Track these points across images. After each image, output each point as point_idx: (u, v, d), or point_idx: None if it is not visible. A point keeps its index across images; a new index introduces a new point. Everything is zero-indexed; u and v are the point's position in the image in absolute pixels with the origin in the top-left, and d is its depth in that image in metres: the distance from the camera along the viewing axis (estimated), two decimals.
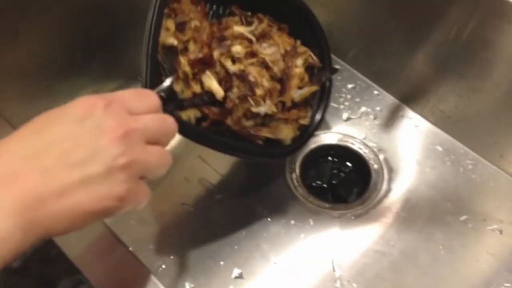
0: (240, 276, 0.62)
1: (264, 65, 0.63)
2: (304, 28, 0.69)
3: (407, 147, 0.74)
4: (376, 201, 0.69)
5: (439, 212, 0.68)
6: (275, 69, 0.63)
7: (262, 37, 0.65)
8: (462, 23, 0.64)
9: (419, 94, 0.76)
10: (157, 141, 0.41)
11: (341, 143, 0.74)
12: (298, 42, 0.68)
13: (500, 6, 0.58)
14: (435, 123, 0.75)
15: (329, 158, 0.75)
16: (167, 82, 0.52)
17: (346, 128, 0.76)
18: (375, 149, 0.74)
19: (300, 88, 0.66)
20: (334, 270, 0.63)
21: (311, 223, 0.67)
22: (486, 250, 0.65)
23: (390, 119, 0.77)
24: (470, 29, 0.63)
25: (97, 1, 0.72)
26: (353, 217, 0.68)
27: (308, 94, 0.67)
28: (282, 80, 0.64)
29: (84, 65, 0.75)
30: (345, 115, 0.77)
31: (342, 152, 0.74)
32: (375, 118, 0.77)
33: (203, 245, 0.64)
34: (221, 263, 0.63)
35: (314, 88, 0.67)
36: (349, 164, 0.74)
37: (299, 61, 0.66)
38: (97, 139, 0.37)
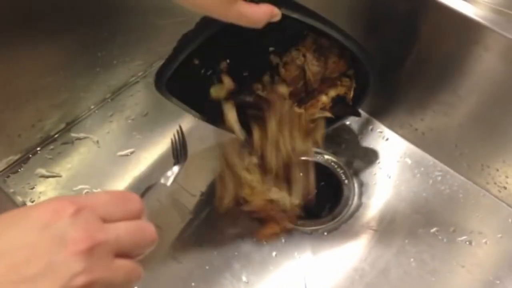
0: None
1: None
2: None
3: (377, 160, 0.75)
4: (348, 216, 0.70)
5: (410, 225, 0.69)
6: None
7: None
8: (429, 40, 0.64)
9: (388, 108, 0.76)
10: (129, 253, 0.36)
11: (311, 158, 0.75)
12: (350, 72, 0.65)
13: (466, 25, 0.59)
14: (404, 136, 0.76)
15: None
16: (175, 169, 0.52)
17: None
18: (345, 164, 0.74)
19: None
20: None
21: (283, 241, 0.67)
22: (457, 262, 0.66)
23: (360, 133, 0.77)
24: (436, 45, 0.64)
25: None
26: (325, 233, 0.68)
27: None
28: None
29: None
30: None
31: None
32: (345, 132, 0.77)
33: (174, 265, 0.64)
34: (192, 284, 0.62)
35: (326, 114, 0.66)
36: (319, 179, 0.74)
37: (332, 92, 0.65)
38: (56, 252, 0.32)
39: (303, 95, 0.63)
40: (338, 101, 0.66)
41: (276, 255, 0.66)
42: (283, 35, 0.61)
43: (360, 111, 0.78)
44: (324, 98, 0.64)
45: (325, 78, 0.64)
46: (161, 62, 0.82)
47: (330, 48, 0.63)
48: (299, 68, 0.62)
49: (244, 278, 0.64)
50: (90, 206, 0.35)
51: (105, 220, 0.35)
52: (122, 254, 0.35)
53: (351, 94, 0.66)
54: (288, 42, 0.62)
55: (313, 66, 0.61)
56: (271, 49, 0.62)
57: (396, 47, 0.70)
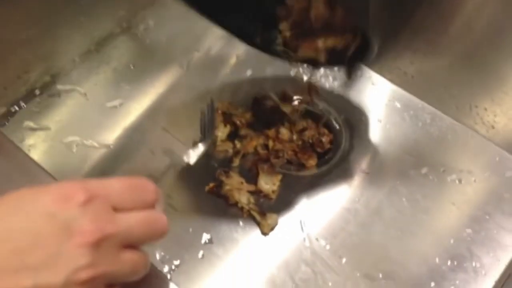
0: (209, 241, 0.62)
1: None
2: None
3: (367, 105, 0.75)
4: (339, 160, 0.70)
5: (401, 166, 0.70)
6: None
7: None
8: None
9: (377, 53, 0.76)
10: (137, 244, 0.35)
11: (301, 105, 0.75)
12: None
13: None
14: (392, 80, 0.76)
15: None
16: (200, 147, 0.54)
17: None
18: (335, 109, 0.74)
19: None
20: (302, 230, 0.64)
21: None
22: (447, 200, 0.67)
23: (349, 79, 0.77)
24: None
25: None
26: (318, 177, 0.69)
27: None
28: None
29: None
30: (305, 78, 0.77)
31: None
32: (334, 79, 0.78)
33: (171, 214, 0.64)
34: (190, 229, 0.63)
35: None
36: None
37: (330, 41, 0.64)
38: (62, 242, 0.31)
39: (303, 31, 0.63)
40: (336, 51, 0.65)
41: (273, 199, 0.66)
42: None
43: None
44: (320, 43, 0.64)
45: (329, 24, 0.63)
46: (144, 13, 0.82)
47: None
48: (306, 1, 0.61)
49: (240, 223, 0.64)
50: (103, 194, 0.34)
51: (117, 209, 0.34)
52: (131, 244, 0.34)
53: (352, 48, 0.64)
54: None
55: (320, 5, 0.61)
56: None
57: None
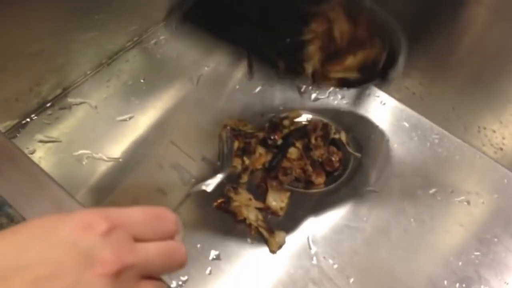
0: (217, 258, 0.62)
1: None
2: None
3: (375, 124, 0.76)
4: (347, 179, 0.71)
5: (409, 187, 0.70)
6: None
7: None
8: (428, 1, 0.65)
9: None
10: (156, 274, 0.35)
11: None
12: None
13: None
14: (401, 100, 0.77)
15: None
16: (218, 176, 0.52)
17: (315, 108, 0.77)
18: (344, 128, 0.75)
19: None
20: (310, 248, 0.64)
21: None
22: (455, 221, 0.67)
23: (357, 98, 0.78)
24: (436, 4, 0.64)
25: None
26: (326, 196, 0.69)
27: None
28: None
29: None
30: (313, 96, 0.78)
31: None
32: (342, 97, 0.78)
33: None
34: (198, 245, 0.63)
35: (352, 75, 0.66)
36: None
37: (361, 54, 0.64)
38: (82, 272, 0.31)
39: (331, 52, 0.63)
40: (367, 65, 0.64)
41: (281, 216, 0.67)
42: None
43: None
44: (351, 59, 0.63)
45: (354, 38, 0.63)
46: (156, 28, 0.83)
47: (361, 8, 0.61)
48: (328, 22, 0.61)
49: (248, 240, 0.64)
50: (124, 224, 0.34)
51: (137, 239, 0.34)
52: (150, 275, 0.34)
53: (382, 58, 0.63)
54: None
55: (341, 24, 0.61)
56: None
57: (391, 10, 0.70)
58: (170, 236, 0.36)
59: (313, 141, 0.70)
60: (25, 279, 0.30)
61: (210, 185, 0.55)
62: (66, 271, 0.31)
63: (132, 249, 0.33)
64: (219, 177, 0.54)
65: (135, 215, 0.35)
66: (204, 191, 0.58)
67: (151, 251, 0.34)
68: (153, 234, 0.35)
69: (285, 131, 0.72)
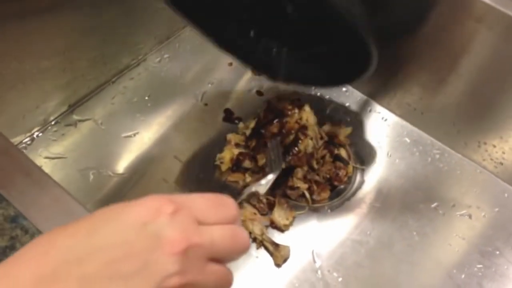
0: None
1: None
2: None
3: (377, 140, 0.77)
4: (351, 193, 0.72)
5: (411, 201, 0.71)
6: None
7: None
8: (428, 19, 0.66)
9: (386, 89, 0.78)
10: (222, 258, 0.36)
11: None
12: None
13: (468, 2, 0.61)
14: (402, 116, 0.78)
15: None
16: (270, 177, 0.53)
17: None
18: (346, 144, 0.76)
19: None
20: (314, 261, 0.65)
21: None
22: (457, 234, 0.68)
23: (359, 114, 0.79)
24: (434, 22, 0.66)
25: None
26: (329, 210, 0.70)
27: None
28: None
29: None
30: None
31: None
32: (344, 114, 0.79)
33: None
34: None
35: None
36: None
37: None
38: (152, 251, 0.32)
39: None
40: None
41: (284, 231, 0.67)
42: None
43: (358, 92, 0.81)
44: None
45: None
46: (160, 47, 0.84)
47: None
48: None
49: (253, 253, 0.65)
50: (188, 207, 0.35)
51: (201, 223, 0.35)
52: (215, 258, 0.35)
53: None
54: None
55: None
56: None
57: (392, 28, 0.72)
58: (232, 222, 0.37)
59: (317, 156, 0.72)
60: (99, 262, 0.31)
61: (262, 186, 0.56)
62: (137, 251, 0.32)
63: (197, 230, 0.34)
64: (270, 177, 0.55)
65: (198, 200, 0.36)
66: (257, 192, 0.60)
67: (216, 233, 0.35)
68: (216, 218, 0.36)
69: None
